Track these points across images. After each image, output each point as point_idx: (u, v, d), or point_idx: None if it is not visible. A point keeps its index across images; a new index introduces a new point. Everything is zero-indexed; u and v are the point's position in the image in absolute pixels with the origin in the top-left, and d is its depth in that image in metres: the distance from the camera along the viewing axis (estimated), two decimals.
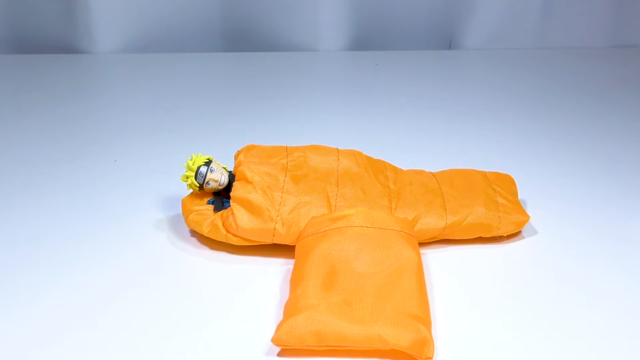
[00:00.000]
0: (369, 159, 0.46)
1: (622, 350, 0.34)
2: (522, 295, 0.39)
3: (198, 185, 0.43)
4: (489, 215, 0.43)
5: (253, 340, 0.35)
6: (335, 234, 0.39)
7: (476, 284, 0.40)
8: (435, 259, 0.42)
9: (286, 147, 0.46)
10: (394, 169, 0.47)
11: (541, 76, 0.82)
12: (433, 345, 0.33)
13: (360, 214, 0.40)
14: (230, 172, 0.45)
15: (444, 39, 0.93)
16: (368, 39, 0.92)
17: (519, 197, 0.47)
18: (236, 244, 0.42)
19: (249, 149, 0.45)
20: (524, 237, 0.45)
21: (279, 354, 0.34)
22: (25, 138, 0.62)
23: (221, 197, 0.44)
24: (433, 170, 0.49)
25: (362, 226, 0.40)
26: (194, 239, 0.45)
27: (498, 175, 0.47)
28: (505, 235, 0.43)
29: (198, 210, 0.43)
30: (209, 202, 0.44)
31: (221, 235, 0.42)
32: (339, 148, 0.46)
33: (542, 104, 0.72)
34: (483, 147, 0.60)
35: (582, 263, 0.42)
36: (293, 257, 0.40)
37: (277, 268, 0.41)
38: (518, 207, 0.44)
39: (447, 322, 0.36)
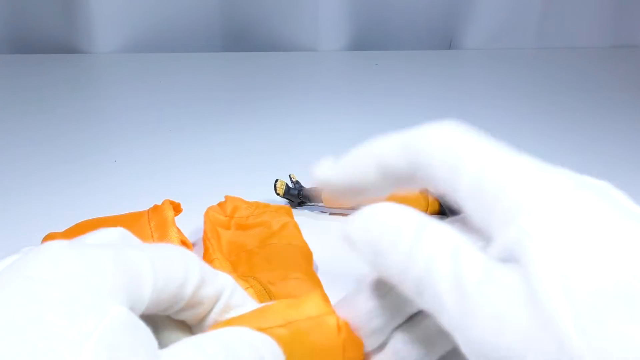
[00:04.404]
0: None
1: None
2: None
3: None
4: None
5: None
6: None
7: None
8: None
9: None
10: None
11: (541, 76, 0.82)
12: None
13: None
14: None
15: (444, 39, 0.93)
16: (368, 39, 0.92)
17: None
18: None
19: None
20: None
21: None
22: (25, 138, 0.62)
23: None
24: None
25: None
26: (192, 239, 0.45)
27: None
28: None
29: None
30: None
31: None
32: None
33: (542, 104, 0.72)
34: None
35: None
36: None
37: None
38: None
39: None
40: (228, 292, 0.23)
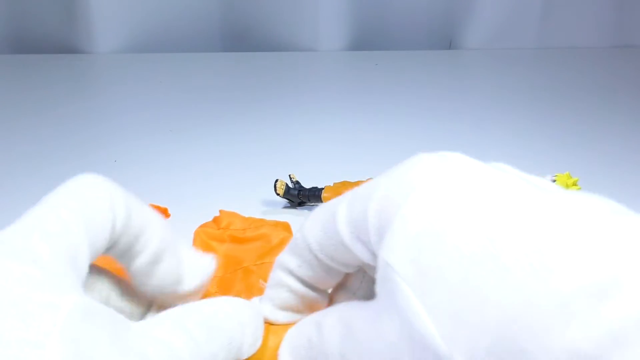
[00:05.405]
0: None
1: None
2: None
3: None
4: None
5: None
6: None
7: None
8: None
9: None
10: None
11: (541, 76, 0.82)
12: None
13: None
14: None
15: (444, 39, 0.93)
16: (368, 39, 0.92)
17: None
18: None
19: None
20: None
21: None
22: (25, 138, 0.62)
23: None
24: None
25: None
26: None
27: None
28: None
29: None
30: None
31: None
32: None
33: (542, 104, 0.72)
34: (483, 146, 0.60)
35: None
36: None
37: None
38: None
39: None
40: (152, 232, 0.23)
